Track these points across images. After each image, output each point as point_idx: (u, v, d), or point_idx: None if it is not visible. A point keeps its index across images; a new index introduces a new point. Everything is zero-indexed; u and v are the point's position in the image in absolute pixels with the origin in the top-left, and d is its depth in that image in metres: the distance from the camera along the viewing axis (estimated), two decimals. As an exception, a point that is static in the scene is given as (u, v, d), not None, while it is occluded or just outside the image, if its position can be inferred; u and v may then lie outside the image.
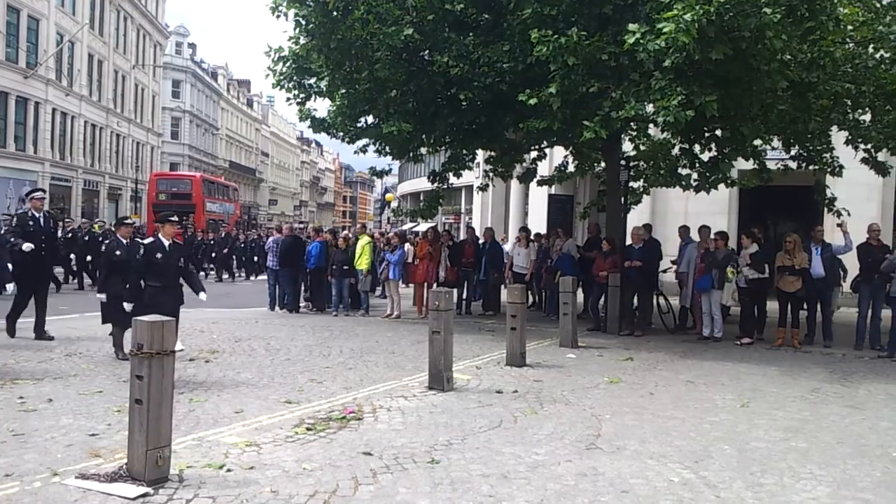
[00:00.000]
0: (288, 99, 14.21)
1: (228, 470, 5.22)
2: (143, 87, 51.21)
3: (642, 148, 14.95)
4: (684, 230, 13.93)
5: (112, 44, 44.52)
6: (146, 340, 4.82)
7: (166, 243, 8.76)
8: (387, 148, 14.65)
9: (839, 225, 12.42)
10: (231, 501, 4.67)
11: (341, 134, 14.42)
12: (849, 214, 13.17)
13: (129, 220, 10.25)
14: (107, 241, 9.88)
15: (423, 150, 15.25)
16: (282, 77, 13.54)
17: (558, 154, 18.49)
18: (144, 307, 7.62)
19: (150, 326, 4.86)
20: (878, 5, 11.87)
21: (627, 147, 15.10)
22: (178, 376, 7.36)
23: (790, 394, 8.42)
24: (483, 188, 18.16)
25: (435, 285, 14.55)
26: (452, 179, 16.09)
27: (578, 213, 19.50)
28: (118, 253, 9.43)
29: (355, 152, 16.15)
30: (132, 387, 4.91)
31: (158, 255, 8.57)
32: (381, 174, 17.36)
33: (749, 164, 14.11)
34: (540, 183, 17.43)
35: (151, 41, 52.76)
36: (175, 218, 9.22)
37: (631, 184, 15.37)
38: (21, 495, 4.65)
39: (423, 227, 25.86)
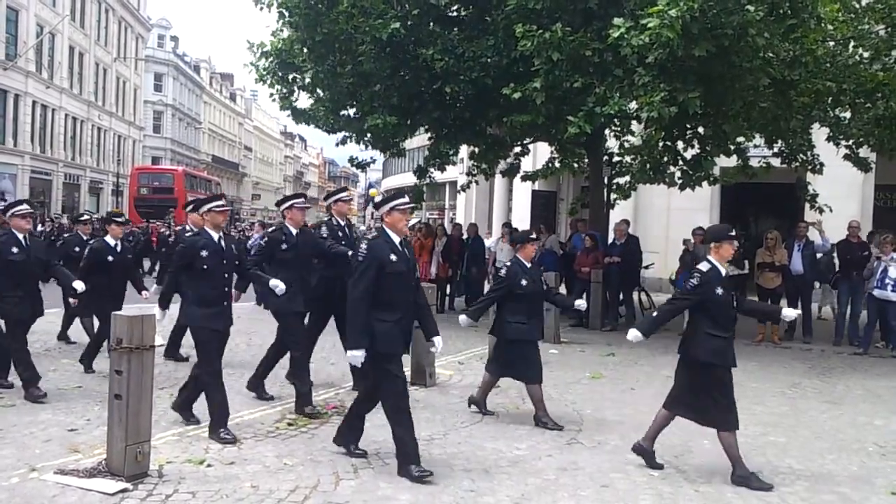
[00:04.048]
0: (272, 95, 14.12)
1: (209, 465, 5.20)
2: (124, 80, 50.72)
3: (627, 145, 14.99)
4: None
5: (93, 36, 44.05)
6: (126, 335, 4.79)
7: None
8: (369, 140, 14.61)
9: (814, 224, 12.50)
10: (211, 496, 4.65)
11: (322, 123, 14.36)
12: (830, 210, 13.30)
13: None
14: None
15: (405, 145, 15.22)
16: (265, 72, 13.47)
17: (541, 150, 18.50)
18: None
19: (130, 321, 4.83)
20: (857, 6, 11.98)
21: (613, 144, 15.13)
22: (159, 371, 7.32)
23: (769, 389, 8.48)
24: (465, 187, 18.20)
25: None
26: (437, 175, 16.10)
27: (566, 210, 19.54)
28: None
29: (337, 144, 16.07)
30: (111, 382, 4.87)
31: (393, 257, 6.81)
32: (362, 166, 17.39)
33: (732, 161, 14.19)
34: (524, 178, 17.45)
35: (133, 34, 52.25)
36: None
37: (617, 180, 15.43)
38: (-2, 491, 4.61)
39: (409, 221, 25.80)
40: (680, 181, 13.59)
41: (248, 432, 6.03)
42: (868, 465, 5.80)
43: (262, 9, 12.68)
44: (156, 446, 5.28)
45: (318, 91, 13.79)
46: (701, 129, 12.76)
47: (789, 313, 6.00)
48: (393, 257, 5.17)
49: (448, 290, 15.85)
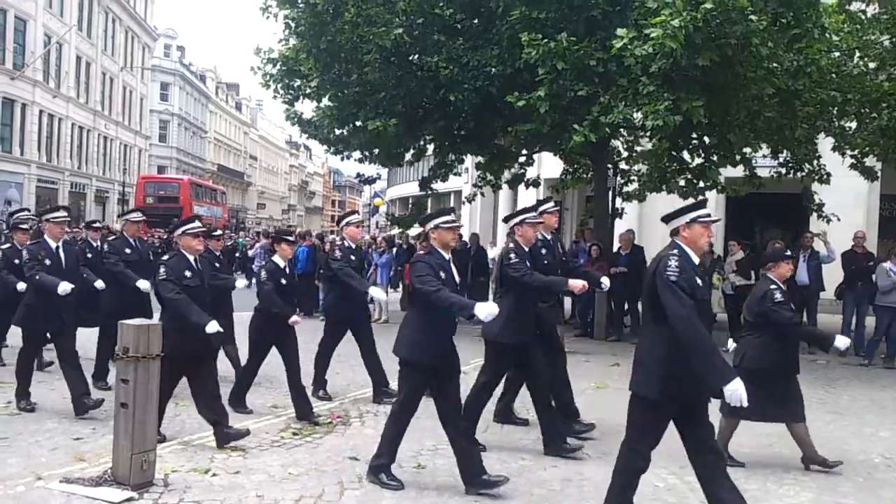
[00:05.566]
0: (275, 97, 14.21)
1: (214, 474, 5.22)
2: (131, 90, 50.94)
3: (635, 154, 14.98)
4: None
5: (100, 46, 44.27)
6: (132, 344, 4.81)
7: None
8: (374, 152, 14.67)
9: (819, 234, 12.48)
10: (216, 506, 4.66)
11: (328, 142, 14.51)
12: (838, 220, 13.27)
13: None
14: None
15: (409, 156, 15.29)
16: (270, 77, 13.57)
17: (546, 159, 18.52)
18: None
19: (136, 330, 4.85)
20: (862, 17, 12.00)
21: (621, 152, 15.12)
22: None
23: (775, 399, 8.45)
24: (470, 199, 18.25)
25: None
26: (442, 185, 16.14)
27: (576, 221, 19.54)
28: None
29: (342, 159, 16.20)
30: (117, 390, 4.90)
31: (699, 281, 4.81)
32: (368, 181, 17.43)
33: (739, 172, 14.18)
34: (528, 185, 17.43)
35: (140, 43, 52.52)
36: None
37: (626, 189, 15.46)
38: (4, 500, 4.63)
39: (412, 231, 25.88)
40: (684, 190, 13.59)
41: (253, 442, 6.03)
42: (874, 477, 5.79)
43: (268, 18, 12.80)
44: (161, 455, 5.29)
45: (324, 100, 13.88)
46: (706, 139, 12.77)
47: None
48: (699, 281, 4.24)
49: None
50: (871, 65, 12.22)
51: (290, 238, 7.60)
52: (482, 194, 17.58)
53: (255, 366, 7.18)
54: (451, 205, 42.41)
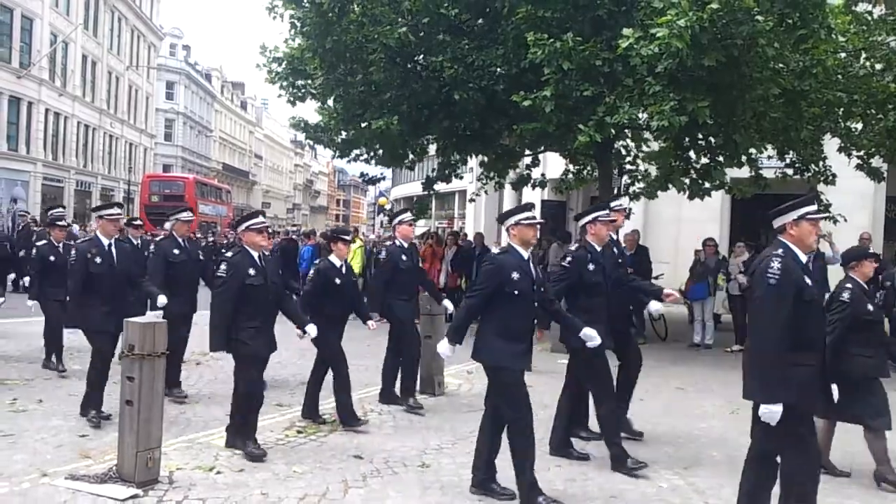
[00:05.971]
0: (280, 95, 14.25)
1: (218, 472, 5.23)
2: (136, 89, 51.05)
3: (641, 154, 14.97)
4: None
5: (106, 44, 44.38)
6: (137, 342, 4.83)
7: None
8: (379, 153, 14.68)
9: (824, 236, 12.43)
10: (221, 503, 4.67)
11: (333, 146, 14.57)
12: (845, 220, 13.23)
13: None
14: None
15: (412, 156, 15.31)
16: (275, 76, 13.60)
17: (552, 160, 18.52)
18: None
19: (142, 328, 4.86)
20: (868, 18, 11.97)
21: (627, 152, 15.11)
22: (169, 378, 7.35)
23: (780, 401, 8.44)
24: (473, 199, 18.27)
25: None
26: (446, 185, 16.15)
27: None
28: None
29: (348, 161, 16.25)
30: (123, 388, 4.91)
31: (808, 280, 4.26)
32: (373, 181, 17.44)
33: (745, 173, 14.15)
34: (533, 186, 17.45)
35: (146, 42, 52.63)
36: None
37: (633, 189, 15.43)
38: (10, 496, 4.65)
39: (417, 230, 25.94)
40: (690, 189, 13.57)
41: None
42: (879, 478, 5.76)
43: (274, 17, 12.82)
44: (166, 453, 5.30)
45: (329, 101, 13.90)
46: (711, 139, 12.74)
47: None
48: (808, 280, 4.00)
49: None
50: (878, 66, 12.17)
51: (347, 237, 7.27)
52: (486, 192, 17.58)
53: (341, 373, 6.86)
54: (455, 205, 42.48)
